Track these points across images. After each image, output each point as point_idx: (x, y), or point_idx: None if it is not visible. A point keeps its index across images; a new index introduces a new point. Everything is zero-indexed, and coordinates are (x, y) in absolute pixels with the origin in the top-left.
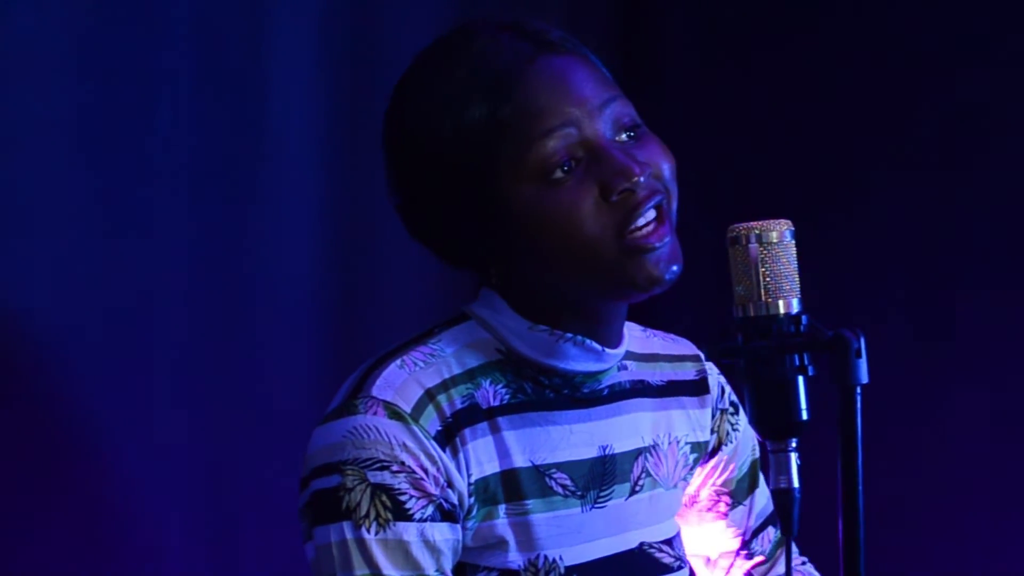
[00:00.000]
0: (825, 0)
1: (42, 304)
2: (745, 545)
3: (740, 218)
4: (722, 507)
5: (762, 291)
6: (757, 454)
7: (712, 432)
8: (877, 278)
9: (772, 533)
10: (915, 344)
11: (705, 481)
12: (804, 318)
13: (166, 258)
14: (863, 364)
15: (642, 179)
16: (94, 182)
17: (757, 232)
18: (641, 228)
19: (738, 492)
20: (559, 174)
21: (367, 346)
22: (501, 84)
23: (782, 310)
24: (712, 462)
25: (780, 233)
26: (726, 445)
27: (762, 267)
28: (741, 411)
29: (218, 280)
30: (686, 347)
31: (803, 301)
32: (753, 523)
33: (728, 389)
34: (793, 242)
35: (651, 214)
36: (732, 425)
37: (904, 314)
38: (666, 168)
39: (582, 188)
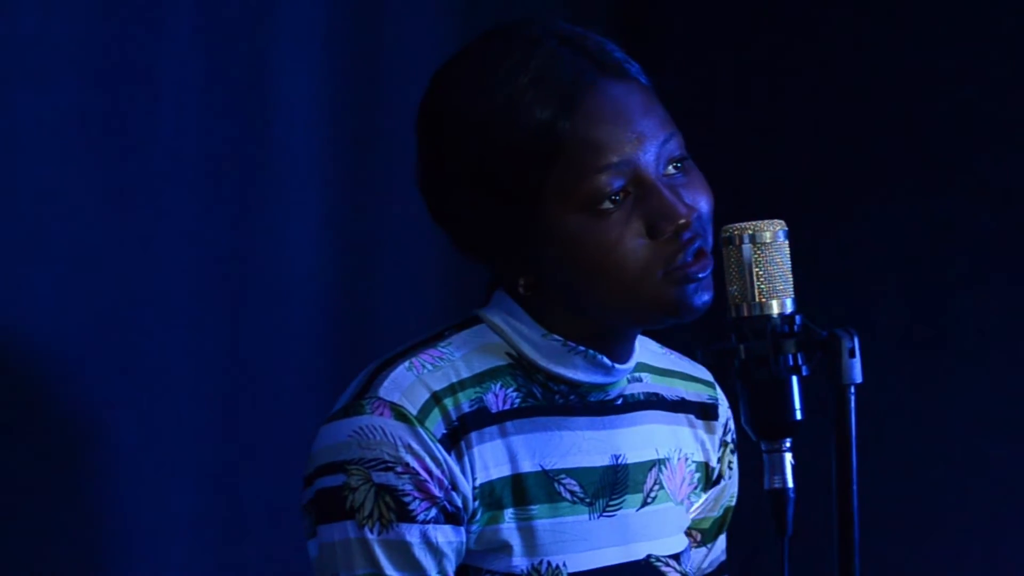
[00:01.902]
0: (824, 0)
1: (45, 305)
2: None
3: (734, 218)
4: (690, 542)
5: (756, 291)
6: (735, 502)
7: (717, 462)
8: (871, 278)
9: None
10: (911, 344)
11: (690, 512)
12: (798, 318)
13: (170, 260)
14: (857, 364)
15: (689, 219)
16: (98, 184)
17: (750, 232)
18: (683, 264)
19: (707, 533)
20: (607, 205)
21: (374, 346)
22: (562, 100)
23: (776, 310)
24: (708, 493)
25: (773, 233)
26: (721, 480)
27: (756, 267)
28: (736, 453)
29: (224, 282)
30: (702, 372)
31: (797, 301)
32: (705, 566)
33: (732, 426)
34: (787, 242)
35: (692, 256)
36: (729, 463)
37: (899, 314)
38: (706, 208)
39: (629, 223)
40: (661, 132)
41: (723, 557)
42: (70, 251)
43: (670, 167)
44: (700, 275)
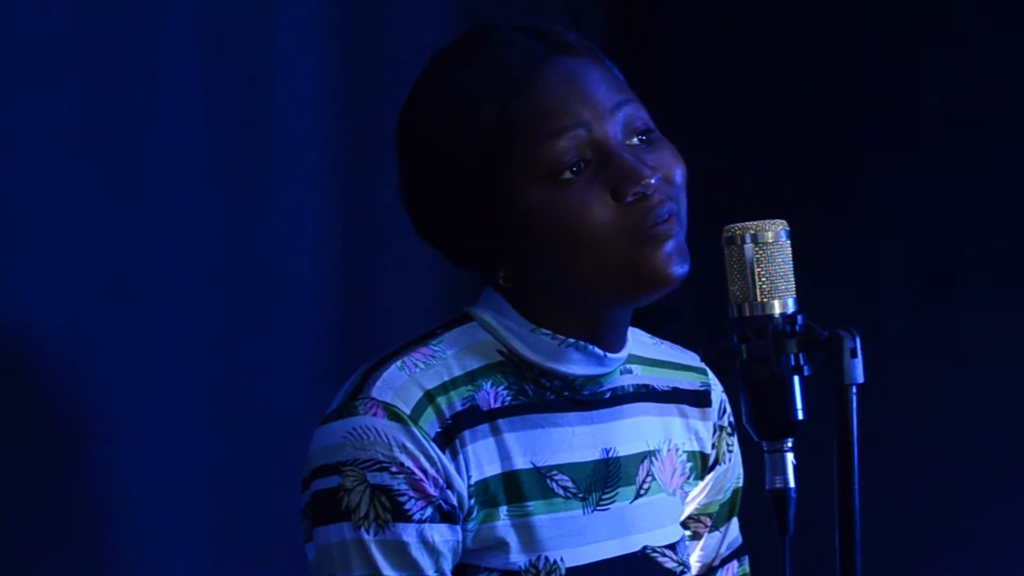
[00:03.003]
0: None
1: (45, 305)
2: (709, 571)
3: (736, 218)
4: (700, 528)
5: (757, 291)
6: (741, 483)
7: (712, 447)
8: (874, 277)
9: (735, 567)
10: (912, 344)
11: (693, 498)
12: (800, 318)
13: (169, 260)
14: (859, 364)
15: (652, 181)
16: (98, 183)
17: (752, 232)
18: (652, 224)
19: (718, 517)
20: (568, 175)
21: (370, 347)
22: (513, 83)
23: (778, 310)
24: (705, 479)
25: (775, 233)
26: (720, 464)
27: (757, 267)
28: (736, 435)
29: (222, 281)
30: (693, 359)
31: (799, 301)
32: (723, 551)
33: (729, 410)
34: (788, 242)
35: (663, 216)
36: (728, 446)
37: (901, 313)
38: (677, 173)
39: (591, 190)
40: (617, 95)
41: (739, 540)
42: (70, 251)
43: (634, 138)
44: (668, 230)
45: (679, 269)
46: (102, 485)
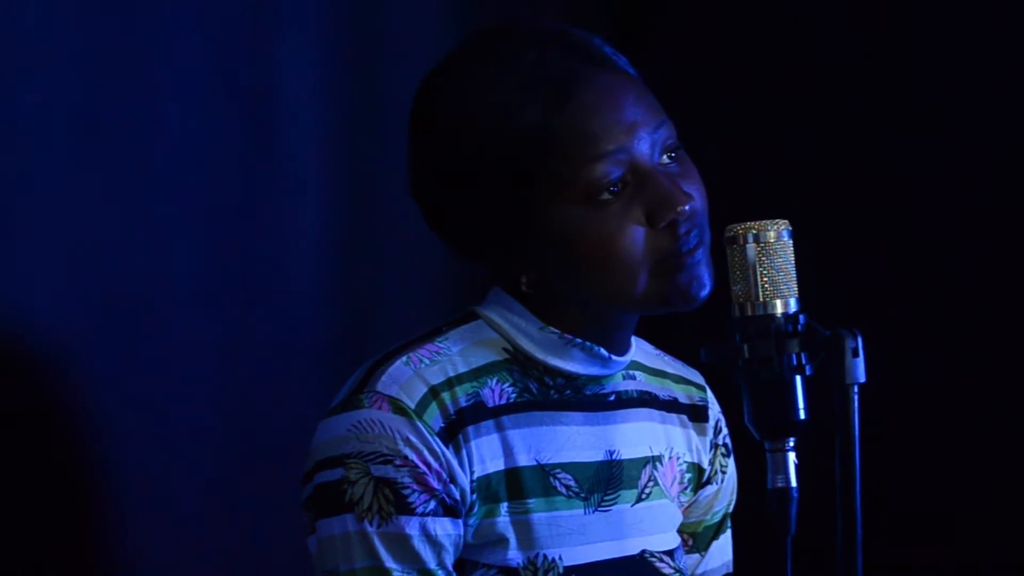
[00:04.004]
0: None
1: (48, 304)
2: None
3: (738, 217)
4: (683, 546)
5: (759, 291)
6: (732, 508)
7: (708, 464)
8: (875, 277)
9: None
10: (914, 343)
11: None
12: (802, 318)
13: (172, 259)
14: (860, 363)
15: (686, 208)
16: (101, 182)
17: (755, 232)
18: (679, 254)
19: (700, 538)
20: (606, 196)
21: (372, 345)
22: (555, 94)
23: (779, 310)
24: (696, 495)
25: (777, 232)
26: (712, 484)
27: (759, 267)
28: (731, 457)
29: (226, 280)
30: (694, 375)
31: (800, 301)
32: (699, 572)
33: (725, 430)
34: (790, 241)
35: (689, 245)
36: (722, 467)
37: (902, 313)
38: (700, 200)
39: (628, 213)
40: (653, 119)
41: (727, 570)
42: (72, 250)
43: (664, 156)
44: (691, 261)
45: (701, 292)
46: (104, 485)
